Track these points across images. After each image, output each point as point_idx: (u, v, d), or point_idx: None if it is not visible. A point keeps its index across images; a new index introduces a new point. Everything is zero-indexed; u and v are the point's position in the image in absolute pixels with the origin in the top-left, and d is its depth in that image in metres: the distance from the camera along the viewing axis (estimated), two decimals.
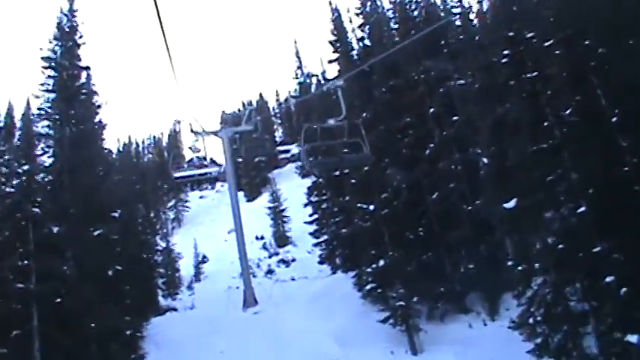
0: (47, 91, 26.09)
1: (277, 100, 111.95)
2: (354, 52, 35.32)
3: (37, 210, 21.47)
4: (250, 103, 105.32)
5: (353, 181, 28.21)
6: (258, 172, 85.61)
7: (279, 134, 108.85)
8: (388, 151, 28.08)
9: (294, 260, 56.40)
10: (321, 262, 43.71)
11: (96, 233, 23.02)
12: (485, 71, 24.69)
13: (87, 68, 27.67)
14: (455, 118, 28.26)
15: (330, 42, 35.63)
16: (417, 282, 26.18)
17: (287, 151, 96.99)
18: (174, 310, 43.10)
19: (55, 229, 21.40)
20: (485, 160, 22.94)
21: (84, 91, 27.34)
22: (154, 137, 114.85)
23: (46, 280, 20.51)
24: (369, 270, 27.01)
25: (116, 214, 25.89)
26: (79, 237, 22.59)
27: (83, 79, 27.81)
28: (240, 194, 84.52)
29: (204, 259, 63.02)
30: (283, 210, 62.76)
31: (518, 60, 19.61)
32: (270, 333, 31.24)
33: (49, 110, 25.88)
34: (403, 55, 29.34)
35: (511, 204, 18.80)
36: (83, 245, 22.46)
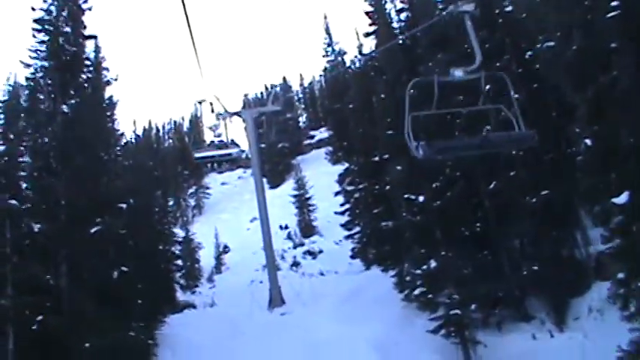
0: (38, 58, 22.02)
1: (301, 84, 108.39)
2: (395, 25, 31.41)
3: (14, 202, 17.64)
4: (274, 87, 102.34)
5: (399, 167, 24.41)
6: (282, 158, 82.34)
7: (303, 119, 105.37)
8: (438, 134, 24.29)
9: (321, 252, 52.97)
10: (353, 257, 40.09)
11: (93, 230, 19.16)
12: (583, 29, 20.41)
13: (93, 37, 23.97)
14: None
15: (367, 13, 31.85)
16: (472, 285, 22.43)
17: (311, 137, 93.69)
18: (193, 307, 39.91)
19: (37, 227, 17.66)
20: (587, 141, 18.85)
21: (88, 62, 23.60)
22: (175, 122, 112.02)
23: (26, 291, 16.85)
24: (417, 272, 23.20)
25: (123, 205, 22.15)
26: (73, 236, 18.88)
27: (89, 51, 24.17)
28: (264, 181, 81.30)
29: (226, 249, 60.02)
30: (309, 198, 59.20)
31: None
32: (300, 338, 27.70)
33: (41, 81, 21.88)
34: (452, 27, 25.63)
35: (622, 198, 14.82)
36: (78, 245, 18.77)
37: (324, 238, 55.59)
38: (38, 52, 21.58)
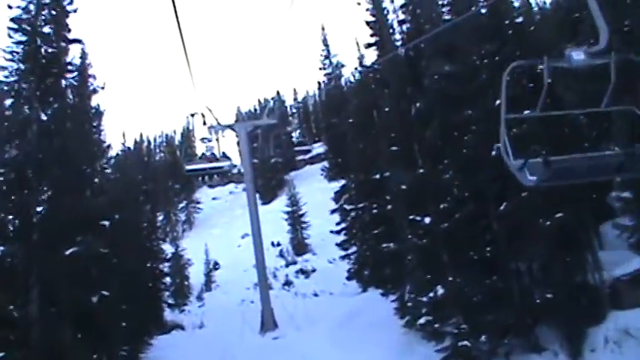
0: (14, 60, 19.83)
1: (295, 98, 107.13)
2: (397, 36, 30.02)
3: None
4: (267, 101, 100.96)
5: (403, 186, 22.85)
6: (275, 174, 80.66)
7: (296, 135, 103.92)
8: (445, 151, 22.83)
9: (314, 271, 51.25)
10: (348, 278, 38.39)
11: (69, 252, 17.24)
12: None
13: (77, 41, 22.10)
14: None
15: (367, 23, 30.46)
16: (482, 314, 20.83)
17: (305, 152, 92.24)
18: (182, 328, 38.12)
19: (1, 249, 15.80)
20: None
21: (71, 67, 21.80)
22: (166, 135, 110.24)
23: None
24: (423, 299, 21.54)
25: (106, 223, 20.27)
26: (46, 258, 16.76)
27: (73, 56, 22.34)
28: (256, 196, 79.62)
29: (216, 266, 58.23)
30: (302, 215, 57.47)
31: None
32: None
33: (15, 85, 19.67)
34: (460, 37, 24.32)
35: None
36: (52, 268, 16.65)
37: (318, 256, 53.91)
38: (14, 54, 19.77)
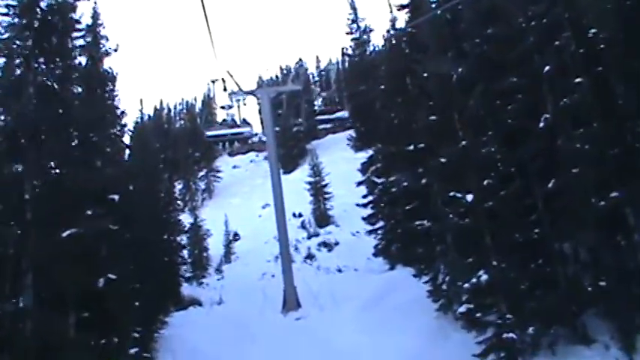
0: (8, 14, 17.15)
1: (317, 66, 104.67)
2: None
3: None
4: (289, 68, 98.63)
5: (443, 160, 20.73)
6: (297, 143, 78.63)
7: (317, 103, 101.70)
8: (487, 121, 20.69)
9: (337, 244, 49.46)
10: (375, 255, 36.50)
11: (66, 234, 15.26)
12: None
13: None
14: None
15: None
16: (528, 301, 18.85)
17: (327, 121, 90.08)
18: (199, 304, 36.67)
19: None
20: None
21: (78, 26, 19.73)
22: (187, 102, 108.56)
23: None
24: (465, 285, 19.56)
25: (115, 197, 18.37)
26: (43, 239, 14.81)
27: (82, 13, 20.14)
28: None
29: (236, 237, 56.69)
30: (325, 185, 55.58)
31: None
32: (318, 348, 24.47)
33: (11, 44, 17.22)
34: None
35: None
36: (49, 251, 14.72)
37: (341, 228, 52.14)
38: (9, 8, 17.56)
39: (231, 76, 45.49)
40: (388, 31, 37.00)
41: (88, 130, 18.77)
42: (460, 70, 20.74)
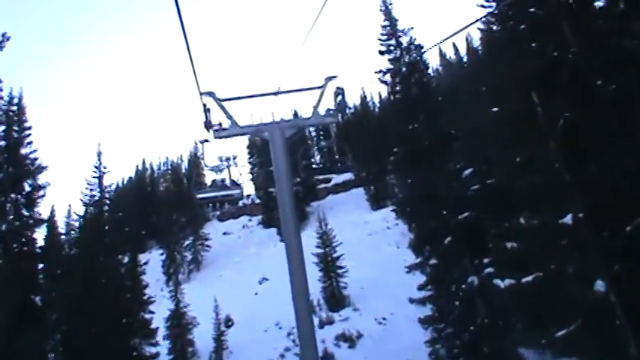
0: None
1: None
2: None
3: None
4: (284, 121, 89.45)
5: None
6: (296, 205, 68.31)
7: (316, 160, 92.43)
8: None
9: (360, 336, 37.91)
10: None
11: None
12: None
13: None
14: None
15: None
16: None
17: (327, 181, 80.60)
18: None
19: None
20: None
21: None
22: (172, 162, 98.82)
23: None
24: None
25: None
26: None
27: None
28: (273, 231, 67.62)
29: (229, 323, 45.38)
30: (338, 258, 44.90)
31: None
32: None
33: None
34: None
35: None
36: None
37: (360, 313, 40.91)
38: None
39: (230, 117, 35.17)
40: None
41: None
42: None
